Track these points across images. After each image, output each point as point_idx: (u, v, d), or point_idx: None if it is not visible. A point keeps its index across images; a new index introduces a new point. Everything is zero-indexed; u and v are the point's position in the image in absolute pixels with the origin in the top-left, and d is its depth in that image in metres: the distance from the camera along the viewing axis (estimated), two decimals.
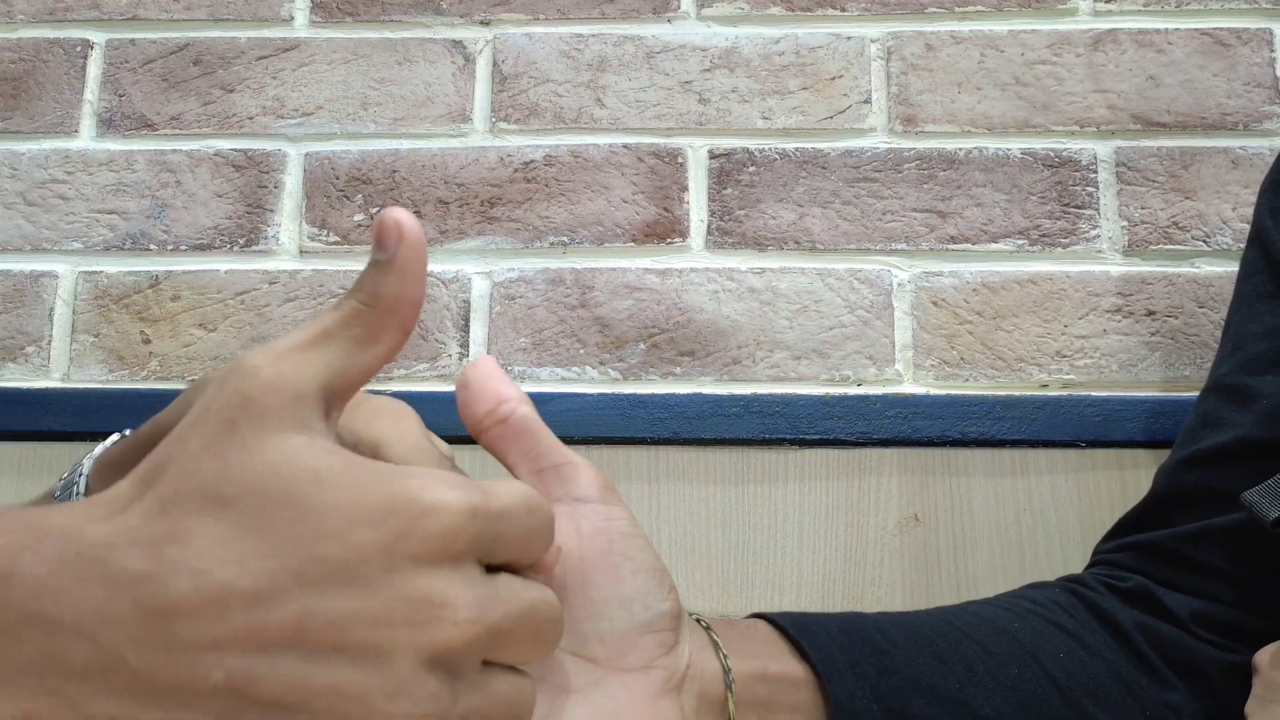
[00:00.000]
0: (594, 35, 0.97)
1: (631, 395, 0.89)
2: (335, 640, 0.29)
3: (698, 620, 0.46)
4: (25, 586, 0.29)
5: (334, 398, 0.33)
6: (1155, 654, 0.55)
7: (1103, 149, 0.93)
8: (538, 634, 0.34)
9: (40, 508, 0.31)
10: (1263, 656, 0.52)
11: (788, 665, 0.47)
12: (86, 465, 0.48)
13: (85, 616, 0.29)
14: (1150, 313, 0.90)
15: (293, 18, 1.00)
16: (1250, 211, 0.92)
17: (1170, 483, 0.62)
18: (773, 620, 0.50)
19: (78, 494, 0.48)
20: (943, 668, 0.50)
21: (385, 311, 0.34)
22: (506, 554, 0.33)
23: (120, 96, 0.98)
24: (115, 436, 0.49)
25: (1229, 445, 0.60)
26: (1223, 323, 0.90)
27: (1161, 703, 0.53)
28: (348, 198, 0.95)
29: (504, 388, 0.39)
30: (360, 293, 0.34)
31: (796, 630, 0.48)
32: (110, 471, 0.50)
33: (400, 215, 0.34)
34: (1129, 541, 0.62)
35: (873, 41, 0.96)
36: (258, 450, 0.30)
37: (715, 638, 0.45)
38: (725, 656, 0.44)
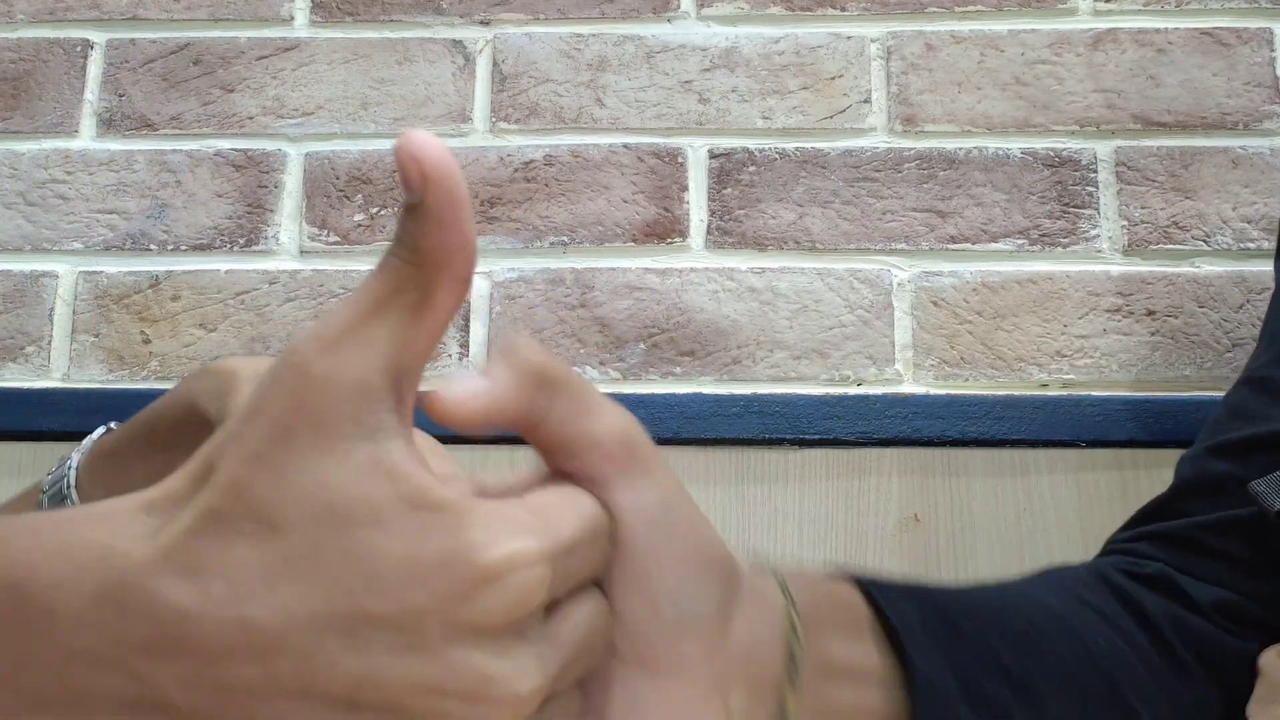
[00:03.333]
0: (594, 35, 0.97)
1: (631, 395, 0.89)
2: (387, 706, 0.27)
3: (780, 585, 0.39)
4: (67, 624, 0.27)
5: (402, 379, 0.29)
6: (1183, 647, 0.53)
7: (1103, 149, 0.93)
8: (592, 651, 0.32)
9: (76, 520, 0.29)
10: (1268, 657, 0.51)
11: (862, 649, 0.41)
12: (75, 458, 0.46)
13: (131, 655, 0.27)
14: (1150, 312, 0.90)
15: (293, 17, 1.00)
16: (1251, 211, 0.92)
17: (1195, 470, 0.61)
18: (858, 582, 0.44)
19: (68, 488, 0.46)
20: (1006, 644, 0.46)
21: (434, 268, 0.29)
22: (569, 587, 0.31)
23: (120, 96, 0.98)
24: (102, 429, 0.47)
25: (1260, 436, 0.59)
26: (1223, 322, 0.90)
27: (1189, 699, 0.52)
28: (348, 198, 0.95)
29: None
30: (401, 249, 0.29)
31: (882, 598, 0.43)
32: (104, 462, 0.48)
33: (418, 146, 0.28)
34: (1148, 530, 0.61)
35: (873, 41, 0.96)
36: (315, 469, 0.27)
37: (794, 614, 0.38)
38: (799, 637, 0.38)
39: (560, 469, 0.34)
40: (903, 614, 0.43)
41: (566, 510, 0.31)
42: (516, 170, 0.95)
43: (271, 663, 0.27)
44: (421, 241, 0.28)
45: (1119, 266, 0.91)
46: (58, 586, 0.27)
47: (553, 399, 0.33)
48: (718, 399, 0.88)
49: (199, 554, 0.27)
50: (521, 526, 0.28)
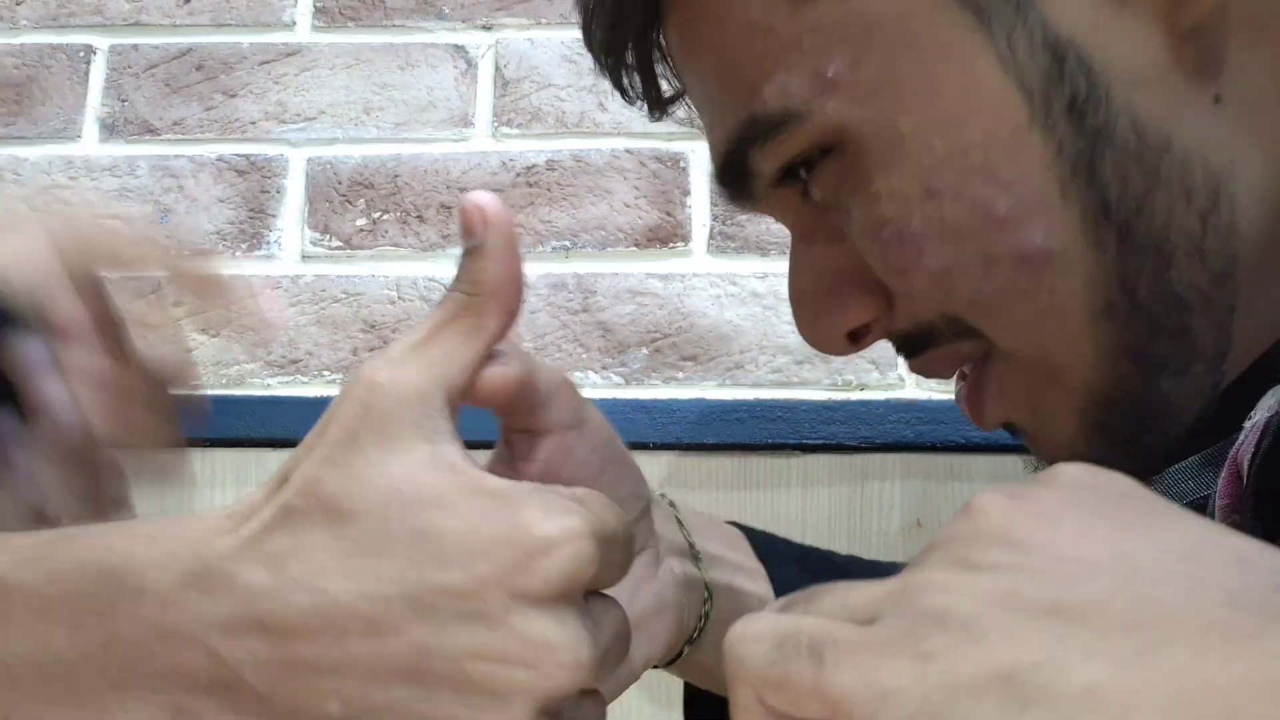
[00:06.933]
0: None
1: (634, 400, 0.88)
2: (452, 676, 0.29)
3: (662, 495, 0.50)
4: (154, 601, 0.30)
5: (455, 392, 0.33)
6: None
7: None
8: (622, 655, 0.34)
9: (166, 521, 0.32)
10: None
11: (749, 558, 0.52)
12: None
13: (209, 631, 0.29)
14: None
15: (295, 22, 1.00)
16: None
17: None
18: (736, 525, 0.55)
19: None
20: (845, 560, 0.57)
21: (489, 296, 0.34)
22: (605, 581, 0.33)
23: (123, 102, 0.98)
24: None
25: None
26: None
27: None
28: (350, 202, 0.95)
29: None
30: (461, 283, 0.34)
31: (753, 535, 0.54)
32: None
33: (482, 199, 0.34)
34: None
35: None
36: (380, 463, 0.30)
37: (679, 516, 0.49)
38: (687, 532, 0.49)
39: (529, 420, 0.39)
40: (761, 536, 0.54)
41: (603, 505, 0.33)
42: (518, 175, 0.95)
43: (342, 636, 0.29)
44: (479, 275, 0.33)
45: None
46: (148, 568, 0.30)
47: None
48: (720, 404, 0.88)
49: (277, 542, 0.30)
50: (570, 509, 0.31)
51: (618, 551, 0.33)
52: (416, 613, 0.29)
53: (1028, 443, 0.43)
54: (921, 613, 0.26)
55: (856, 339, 0.42)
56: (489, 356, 0.34)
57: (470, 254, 0.34)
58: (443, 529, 0.29)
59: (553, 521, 0.30)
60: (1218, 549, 0.26)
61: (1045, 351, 0.38)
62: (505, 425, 0.40)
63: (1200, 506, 0.44)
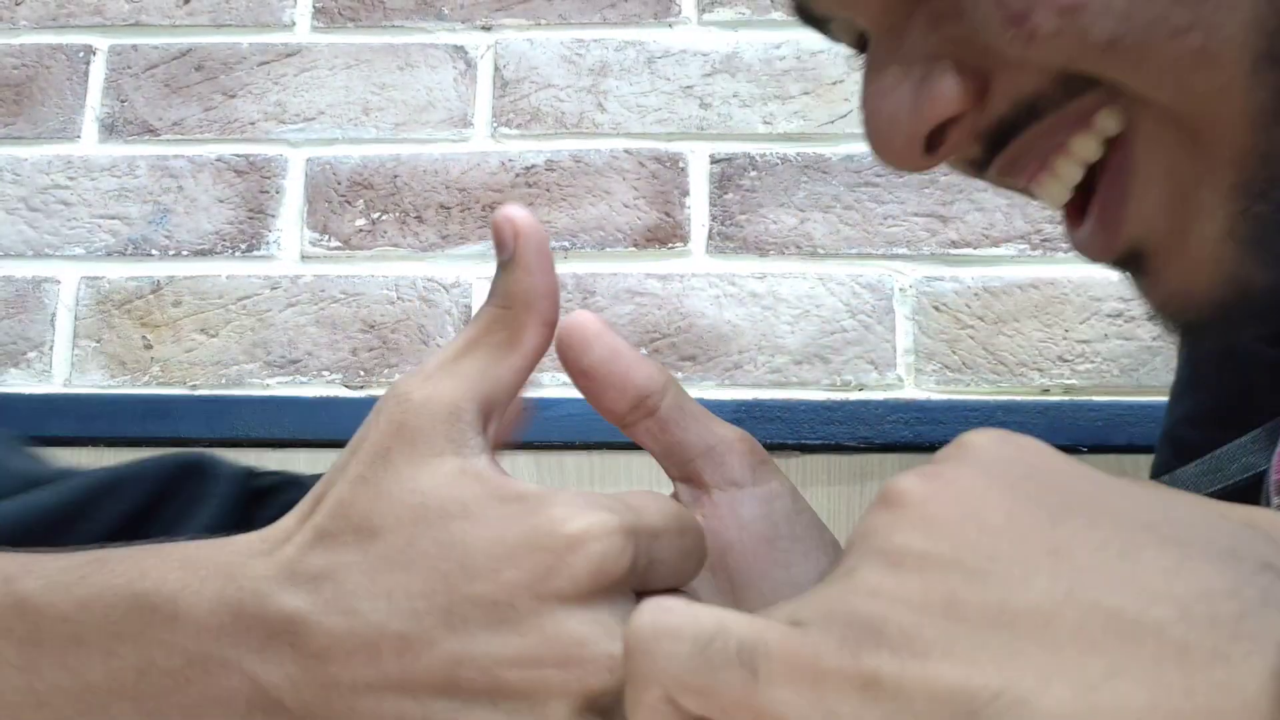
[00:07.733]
0: (595, 40, 0.98)
1: None
2: (487, 685, 0.29)
3: None
4: (188, 628, 0.30)
5: (489, 407, 0.33)
6: None
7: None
8: None
9: (199, 544, 0.32)
10: None
11: None
12: None
13: (245, 657, 0.29)
14: (1152, 317, 0.90)
15: (294, 23, 1.00)
16: None
17: None
18: None
19: None
20: None
21: (522, 310, 0.34)
22: (659, 581, 0.32)
23: (122, 102, 0.98)
24: None
25: None
26: None
27: None
28: (349, 203, 0.95)
29: (640, 375, 0.37)
30: (494, 297, 0.34)
31: None
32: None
33: (513, 212, 0.34)
34: None
35: None
36: (410, 479, 0.30)
37: None
38: None
39: (688, 471, 0.38)
40: None
41: (649, 501, 0.33)
42: (518, 175, 0.95)
43: (377, 655, 0.29)
44: (512, 288, 0.34)
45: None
46: (181, 594, 0.30)
47: (676, 397, 0.37)
48: (719, 404, 0.88)
49: (310, 564, 0.30)
50: (601, 504, 0.31)
51: (671, 544, 0.32)
52: (447, 625, 0.29)
53: (1153, 275, 0.38)
54: (854, 619, 0.24)
55: (933, 148, 0.37)
56: (525, 372, 0.34)
57: (503, 267, 0.34)
58: (469, 539, 0.29)
59: (580, 518, 0.30)
60: (1156, 546, 0.24)
61: (1194, 103, 0.34)
62: (668, 473, 0.39)
63: (1257, 482, 0.43)
